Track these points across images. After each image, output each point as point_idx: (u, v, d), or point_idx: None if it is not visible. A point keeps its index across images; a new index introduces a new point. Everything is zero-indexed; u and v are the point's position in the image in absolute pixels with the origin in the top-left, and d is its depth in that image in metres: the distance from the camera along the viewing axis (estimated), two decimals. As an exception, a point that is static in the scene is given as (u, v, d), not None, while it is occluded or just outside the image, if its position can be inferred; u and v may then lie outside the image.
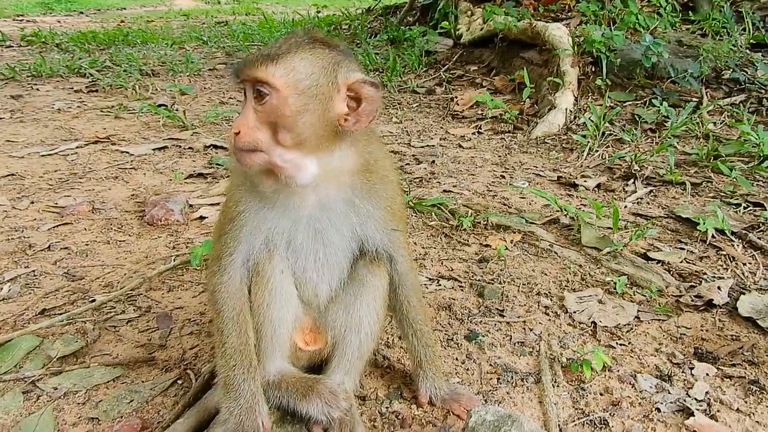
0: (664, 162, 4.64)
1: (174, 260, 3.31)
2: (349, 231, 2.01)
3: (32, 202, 4.08)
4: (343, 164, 1.88)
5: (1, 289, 3.03)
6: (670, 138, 5.09)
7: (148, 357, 2.51)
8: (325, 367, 2.19)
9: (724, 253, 3.33)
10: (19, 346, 2.53)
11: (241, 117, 1.74)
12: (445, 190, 4.32)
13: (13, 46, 10.88)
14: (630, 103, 5.93)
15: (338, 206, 1.95)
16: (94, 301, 2.91)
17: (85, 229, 3.72)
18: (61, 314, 2.79)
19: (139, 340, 2.65)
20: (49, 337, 2.64)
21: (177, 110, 6.25)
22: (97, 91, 7.47)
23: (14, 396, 2.27)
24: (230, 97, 7.36)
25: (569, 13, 7.67)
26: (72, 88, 7.56)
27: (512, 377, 2.37)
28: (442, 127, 6.05)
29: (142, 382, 2.37)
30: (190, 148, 5.30)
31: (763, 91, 5.90)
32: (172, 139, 5.55)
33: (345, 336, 2.13)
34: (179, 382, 2.36)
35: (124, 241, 3.58)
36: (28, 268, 3.22)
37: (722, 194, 4.13)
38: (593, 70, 6.28)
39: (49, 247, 3.47)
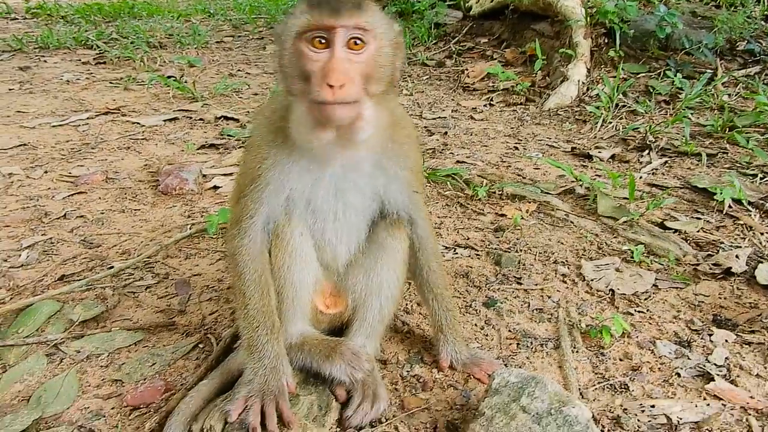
0: (678, 133, 4.60)
1: (190, 228, 3.31)
2: (371, 191, 2.00)
3: (46, 172, 4.08)
4: (383, 116, 1.85)
5: (20, 255, 3.04)
6: (684, 109, 5.04)
7: (169, 322, 2.53)
8: (346, 330, 2.19)
9: (741, 222, 3.31)
10: (40, 311, 2.55)
11: (338, 67, 1.62)
12: (458, 161, 4.30)
13: (18, 19, 10.82)
14: (644, 74, 5.87)
15: (365, 166, 1.92)
16: (112, 267, 2.92)
17: (100, 198, 3.72)
18: (80, 280, 2.81)
19: (158, 305, 2.67)
20: (69, 302, 2.66)
21: (186, 82, 6.21)
22: (105, 63, 7.43)
23: (38, 358, 2.29)
24: (238, 70, 7.32)
25: (581, -16, 7.57)
26: (80, 60, 7.52)
27: (531, 343, 2.38)
28: (453, 100, 6.01)
29: (164, 346, 2.39)
30: (200, 119, 5.28)
31: (778, 62, 5.82)
32: (183, 110, 5.53)
33: (366, 299, 2.12)
34: (200, 346, 2.38)
35: (139, 209, 3.58)
36: (45, 236, 3.23)
37: (738, 165, 4.10)
38: (606, 41, 6.19)
39: (64, 215, 3.48)
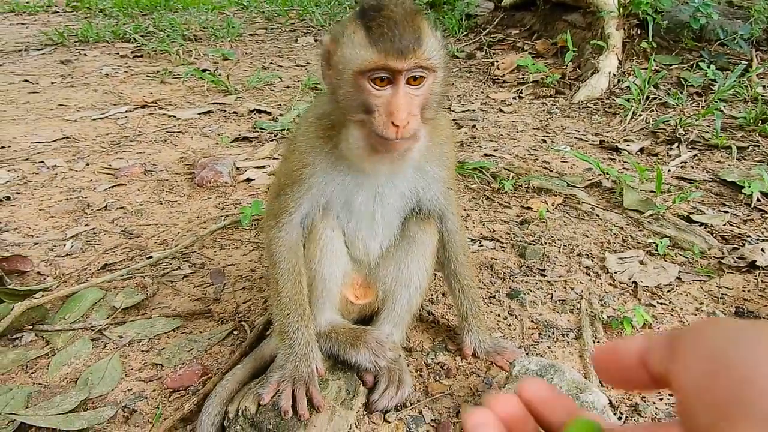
0: (709, 126, 4.58)
1: (224, 220, 3.44)
2: (410, 193, 2.08)
3: (87, 164, 4.25)
4: (428, 131, 1.88)
5: (65, 245, 3.20)
6: (716, 102, 5.00)
7: (205, 310, 2.66)
8: (375, 319, 2.29)
9: (769, 216, 3.31)
10: (85, 298, 2.69)
11: (402, 106, 1.65)
12: (486, 154, 4.35)
13: (58, 12, 11.11)
14: (676, 66, 5.81)
15: (408, 172, 2.01)
16: (151, 257, 3.06)
17: (139, 190, 3.88)
18: (121, 269, 2.95)
19: (195, 294, 2.80)
20: (111, 290, 2.80)
21: (220, 75, 6.36)
22: (142, 56, 7.62)
23: (84, 343, 2.43)
24: (271, 62, 7.43)
25: (614, -26, 7.49)
26: (118, 53, 7.73)
27: (553, 333, 2.44)
28: (482, 92, 6.04)
29: (200, 332, 2.51)
30: (234, 112, 5.42)
31: (816, 52, 5.71)
32: (217, 103, 5.67)
33: (395, 290, 2.21)
34: (235, 333, 2.50)
35: (176, 201, 3.72)
36: (87, 226, 3.39)
37: (769, 158, 4.07)
38: (639, 32, 6.14)
39: (105, 206, 3.63)
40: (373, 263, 2.21)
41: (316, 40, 8.68)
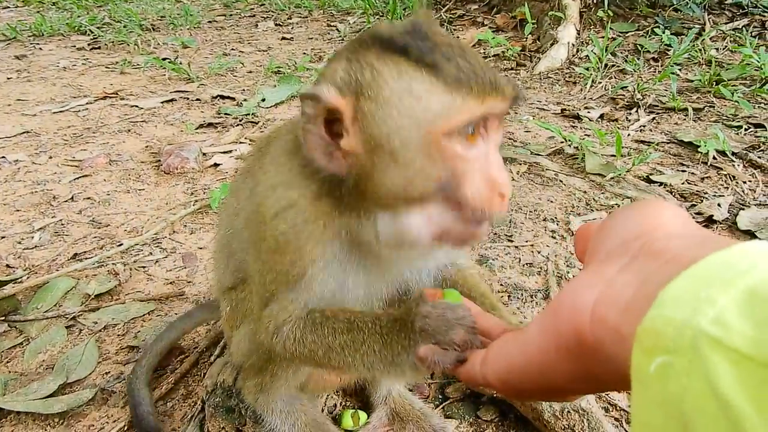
0: (666, 90, 4.69)
1: (194, 205, 3.43)
2: (437, 267, 1.55)
3: (50, 157, 4.20)
4: None
5: (32, 237, 3.17)
6: (672, 66, 5.12)
7: (179, 292, 2.67)
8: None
9: (725, 173, 3.43)
10: (56, 287, 2.69)
11: (502, 165, 1.13)
12: (451, 127, 4.39)
13: (9, 7, 10.81)
14: (632, 33, 5.93)
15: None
16: (121, 245, 3.06)
17: (105, 180, 3.85)
18: (92, 258, 2.94)
19: (168, 278, 2.81)
20: (83, 278, 2.80)
21: (181, 63, 6.29)
22: (99, 47, 7.48)
23: (58, 330, 2.43)
24: (232, 49, 7.37)
25: (569, -55, 7.56)
26: (74, 46, 7.58)
27: (522, 294, 2.51)
28: (445, 67, 6.07)
29: (175, 314, 2.53)
30: (197, 99, 5.37)
31: (766, 14, 5.87)
32: (179, 91, 5.61)
33: None
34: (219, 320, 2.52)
35: (144, 189, 3.70)
36: (55, 218, 3.36)
37: (724, 118, 4.20)
38: (595, 2, 6.24)
39: (72, 198, 3.60)
40: None
41: (277, 25, 8.61)
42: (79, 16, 9.06)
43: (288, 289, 1.33)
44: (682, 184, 3.35)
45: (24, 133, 4.64)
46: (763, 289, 0.50)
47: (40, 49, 7.49)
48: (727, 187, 3.29)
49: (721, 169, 3.47)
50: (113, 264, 2.90)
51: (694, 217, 2.99)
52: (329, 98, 1.08)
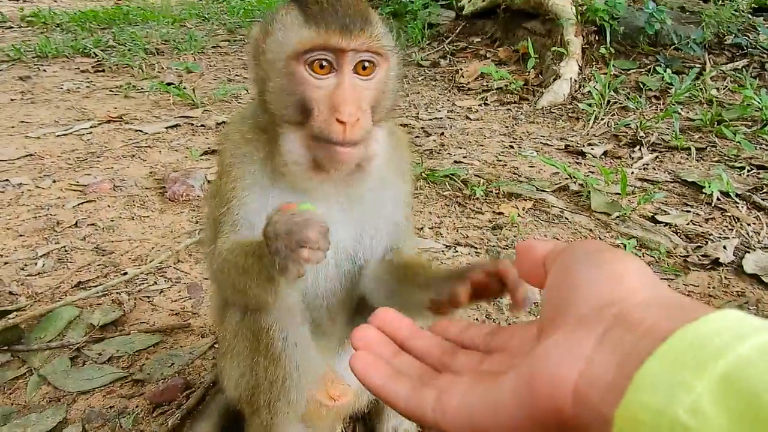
0: (669, 128, 4.73)
1: (198, 234, 3.42)
2: (362, 222, 1.62)
3: (54, 181, 4.18)
4: (385, 148, 1.54)
5: (36, 264, 3.15)
6: (674, 104, 5.17)
7: (184, 324, 2.65)
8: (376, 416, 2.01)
9: (729, 214, 3.45)
10: (60, 316, 2.66)
11: (348, 96, 1.32)
12: (455, 161, 4.42)
13: (13, 27, 10.87)
14: (634, 70, 6.00)
15: (364, 199, 1.58)
16: (126, 273, 3.04)
17: (109, 206, 3.83)
18: (96, 286, 2.92)
19: (173, 308, 2.79)
20: (87, 307, 2.77)
21: (185, 88, 6.31)
22: (103, 70, 7.52)
23: (61, 361, 2.40)
24: (236, 75, 7.42)
25: (571, -18, 7.69)
26: (78, 68, 7.61)
27: (531, 334, 2.50)
28: (448, 100, 6.13)
29: (180, 347, 2.51)
30: (202, 125, 5.39)
31: (765, 55, 5.95)
32: (184, 117, 5.63)
33: None
34: (215, 346, 2.50)
35: (148, 216, 3.69)
36: (58, 244, 3.34)
37: (726, 158, 4.23)
38: (597, 38, 6.32)
39: (76, 223, 3.58)
40: (341, 335, 1.76)
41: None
42: (83, 39, 9.12)
43: (228, 212, 1.52)
44: (687, 224, 3.36)
45: (27, 156, 4.64)
46: (737, 375, 0.50)
47: (44, 70, 7.51)
48: (732, 229, 3.30)
49: (726, 210, 3.49)
50: (117, 293, 2.88)
51: (699, 260, 3.00)
52: (254, 34, 1.47)
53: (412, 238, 1.77)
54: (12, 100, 6.24)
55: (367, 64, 1.37)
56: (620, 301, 0.67)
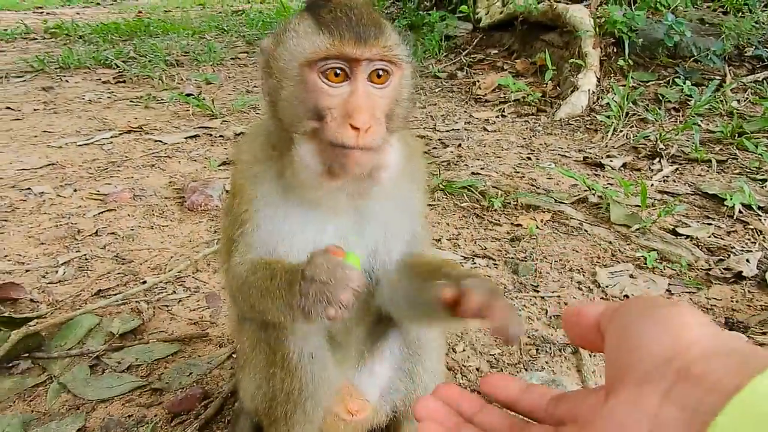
0: (688, 140, 4.69)
1: (217, 243, 3.44)
2: (375, 231, 1.62)
3: (75, 190, 4.23)
4: (400, 158, 1.51)
5: (57, 272, 3.18)
6: (694, 116, 5.13)
7: (202, 333, 2.66)
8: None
9: (752, 227, 3.40)
10: (81, 324, 2.68)
11: (363, 106, 1.33)
12: (473, 173, 4.41)
13: (37, 39, 11.06)
14: (653, 82, 5.96)
15: (378, 211, 1.59)
16: (145, 282, 3.06)
17: (129, 215, 3.87)
18: (115, 294, 2.95)
19: (191, 318, 2.80)
20: (106, 315, 2.79)
21: (204, 99, 6.37)
22: (124, 81, 7.61)
23: (81, 369, 2.42)
24: (254, 86, 7.47)
25: (589, -6, 7.68)
26: (100, 79, 7.72)
27: (550, 348, 2.48)
28: (465, 111, 6.12)
29: (199, 356, 2.51)
30: (221, 136, 5.43)
31: (786, 68, 5.90)
32: (203, 127, 5.68)
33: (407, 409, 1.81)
34: (233, 356, 2.50)
35: (167, 226, 3.72)
36: (79, 253, 3.37)
37: (748, 170, 4.18)
38: (615, 50, 6.30)
39: (96, 232, 3.62)
40: (359, 349, 1.77)
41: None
42: (105, 50, 9.26)
43: (242, 234, 1.54)
44: (709, 237, 3.32)
45: (49, 165, 4.70)
46: None
47: (67, 81, 7.63)
48: (755, 242, 3.26)
49: (748, 223, 3.45)
50: (137, 302, 2.90)
51: (722, 273, 2.96)
52: (265, 46, 1.47)
53: (428, 248, 1.76)
54: (35, 110, 6.34)
55: (381, 72, 1.38)
56: (682, 355, 0.67)
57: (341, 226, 1.55)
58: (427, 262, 1.59)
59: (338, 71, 1.35)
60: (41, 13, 15.87)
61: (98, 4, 19.24)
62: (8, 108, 6.33)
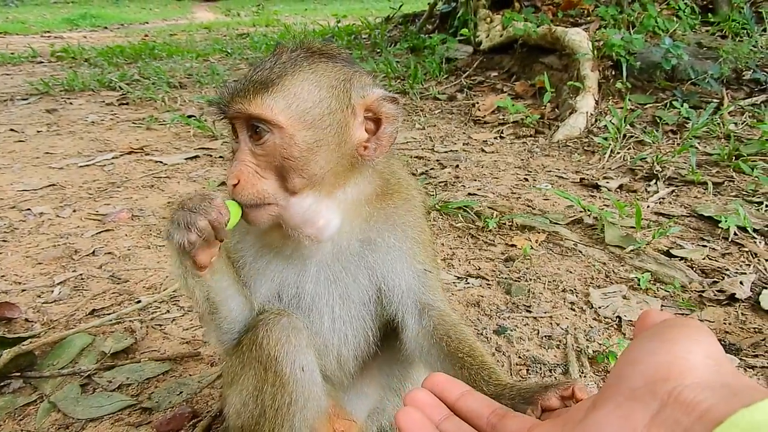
0: (685, 162, 4.71)
1: (212, 263, 3.45)
2: (366, 277, 1.63)
3: (74, 211, 4.27)
4: (360, 195, 1.56)
5: (52, 291, 3.20)
6: (691, 139, 5.15)
7: (194, 353, 2.66)
8: None
9: (746, 249, 3.40)
10: (73, 344, 2.69)
11: (237, 163, 1.39)
12: (470, 193, 4.43)
13: (43, 62, 11.21)
14: (651, 105, 5.99)
15: (353, 245, 1.60)
16: (139, 302, 3.07)
17: (126, 235, 3.89)
18: (109, 314, 2.96)
19: (184, 337, 2.81)
20: (100, 335, 2.80)
21: (206, 121, 6.43)
22: (128, 103, 7.70)
23: (72, 388, 2.42)
24: (256, 107, 7.54)
25: (588, 18, 7.74)
26: (104, 101, 7.81)
27: (541, 368, 2.48)
28: (464, 133, 6.16)
29: (190, 375, 2.52)
30: (220, 157, 5.48)
31: (784, 91, 5.93)
32: (203, 148, 5.73)
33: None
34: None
35: (164, 246, 3.74)
36: (75, 272, 3.39)
37: (744, 193, 4.19)
38: (613, 73, 6.35)
39: (93, 252, 3.64)
40: (349, 381, 1.78)
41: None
42: (109, 73, 9.37)
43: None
44: (703, 259, 3.32)
45: (50, 186, 4.74)
46: None
47: (71, 103, 7.72)
48: (749, 265, 3.25)
49: (743, 245, 3.45)
50: (130, 321, 2.91)
51: (715, 295, 2.96)
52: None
53: (436, 290, 1.72)
54: (38, 131, 6.41)
55: (257, 129, 1.39)
56: (676, 378, 0.68)
57: (320, 262, 1.61)
58: (466, 354, 1.53)
59: (232, 125, 1.45)
60: (48, 36, 16.09)
61: (105, 28, 19.52)
62: (12, 130, 6.41)
